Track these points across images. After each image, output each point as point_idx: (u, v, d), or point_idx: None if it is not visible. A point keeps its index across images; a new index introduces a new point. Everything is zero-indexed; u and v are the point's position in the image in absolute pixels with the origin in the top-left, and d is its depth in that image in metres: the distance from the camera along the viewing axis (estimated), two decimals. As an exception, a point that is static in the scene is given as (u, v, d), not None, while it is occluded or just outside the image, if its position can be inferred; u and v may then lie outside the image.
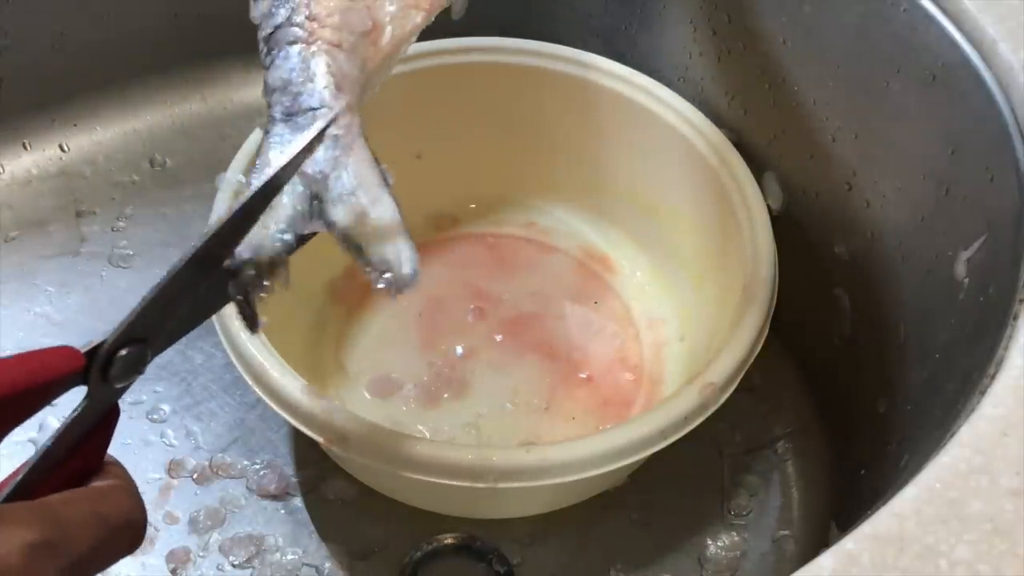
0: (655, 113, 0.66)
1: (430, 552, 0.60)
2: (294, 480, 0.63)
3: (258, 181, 0.39)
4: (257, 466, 0.64)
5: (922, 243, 0.57)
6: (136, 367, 0.38)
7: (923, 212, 0.57)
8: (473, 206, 0.73)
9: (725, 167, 0.63)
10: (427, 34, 0.68)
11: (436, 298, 0.69)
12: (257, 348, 0.55)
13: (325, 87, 0.45)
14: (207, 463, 0.64)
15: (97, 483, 0.37)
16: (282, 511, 0.62)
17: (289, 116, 0.45)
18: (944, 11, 0.54)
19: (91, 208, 0.75)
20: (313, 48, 0.46)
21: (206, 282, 0.39)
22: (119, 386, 0.38)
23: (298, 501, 0.63)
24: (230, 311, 0.56)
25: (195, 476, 0.63)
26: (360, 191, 0.43)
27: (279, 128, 0.44)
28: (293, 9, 0.46)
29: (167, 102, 0.79)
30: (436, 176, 0.71)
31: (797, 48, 0.62)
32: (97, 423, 0.38)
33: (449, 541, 0.61)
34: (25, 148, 0.76)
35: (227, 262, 0.40)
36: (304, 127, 0.44)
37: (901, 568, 0.38)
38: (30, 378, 0.35)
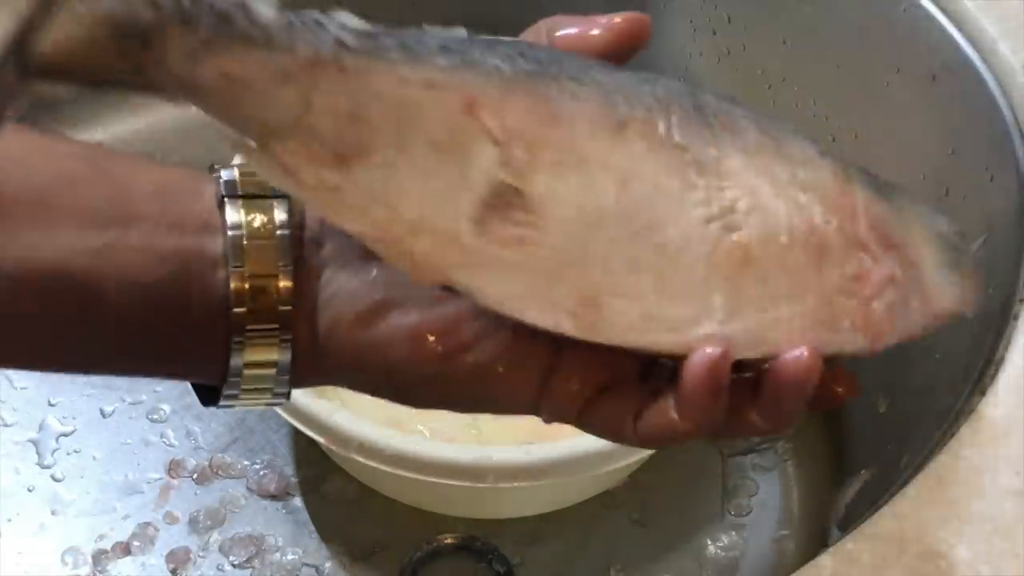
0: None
1: (430, 552, 0.60)
2: (294, 480, 0.63)
3: None
4: (257, 466, 0.64)
5: (922, 243, 0.57)
6: None
7: (923, 212, 0.57)
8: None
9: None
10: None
11: (436, 298, 0.68)
12: (257, 348, 0.55)
13: None
14: (207, 463, 0.64)
15: None
16: (282, 511, 0.62)
17: None
18: (944, 11, 0.54)
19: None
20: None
21: None
22: None
23: (298, 501, 0.63)
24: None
25: (195, 476, 0.63)
26: None
27: None
28: None
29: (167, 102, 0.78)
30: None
31: (797, 48, 0.62)
32: None
33: (449, 541, 0.60)
34: (25, 148, 0.76)
35: None
36: None
37: (901, 568, 0.38)
38: None
